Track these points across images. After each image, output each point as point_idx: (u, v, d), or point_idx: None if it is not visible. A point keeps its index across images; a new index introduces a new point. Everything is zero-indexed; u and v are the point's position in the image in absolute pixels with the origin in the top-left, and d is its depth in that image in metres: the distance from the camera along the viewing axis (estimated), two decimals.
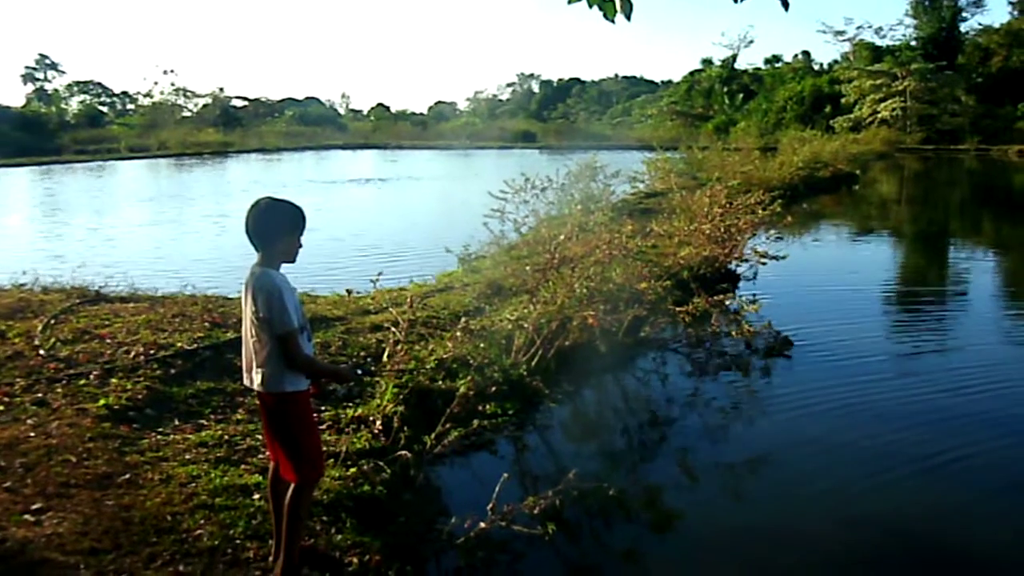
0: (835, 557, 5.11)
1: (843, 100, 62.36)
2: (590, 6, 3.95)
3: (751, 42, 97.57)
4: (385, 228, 20.29)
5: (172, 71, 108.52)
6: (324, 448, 4.58)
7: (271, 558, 4.10)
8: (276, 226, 3.81)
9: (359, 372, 4.89)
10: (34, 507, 4.46)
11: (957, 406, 7.64)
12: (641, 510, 5.76)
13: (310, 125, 79.36)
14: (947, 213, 27.09)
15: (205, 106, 75.97)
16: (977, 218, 26.00)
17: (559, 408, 7.45)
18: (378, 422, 5.99)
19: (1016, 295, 14.15)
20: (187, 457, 5.30)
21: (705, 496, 5.95)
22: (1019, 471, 6.32)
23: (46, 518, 4.35)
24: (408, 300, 7.47)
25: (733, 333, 9.27)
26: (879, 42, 66.99)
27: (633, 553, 5.15)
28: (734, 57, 78.79)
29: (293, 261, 3.88)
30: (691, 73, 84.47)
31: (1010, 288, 14.78)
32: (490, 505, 4.86)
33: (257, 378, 3.81)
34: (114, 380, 6.44)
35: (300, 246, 3.89)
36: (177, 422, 5.96)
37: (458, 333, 7.05)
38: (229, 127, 70.54)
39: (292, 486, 3.93)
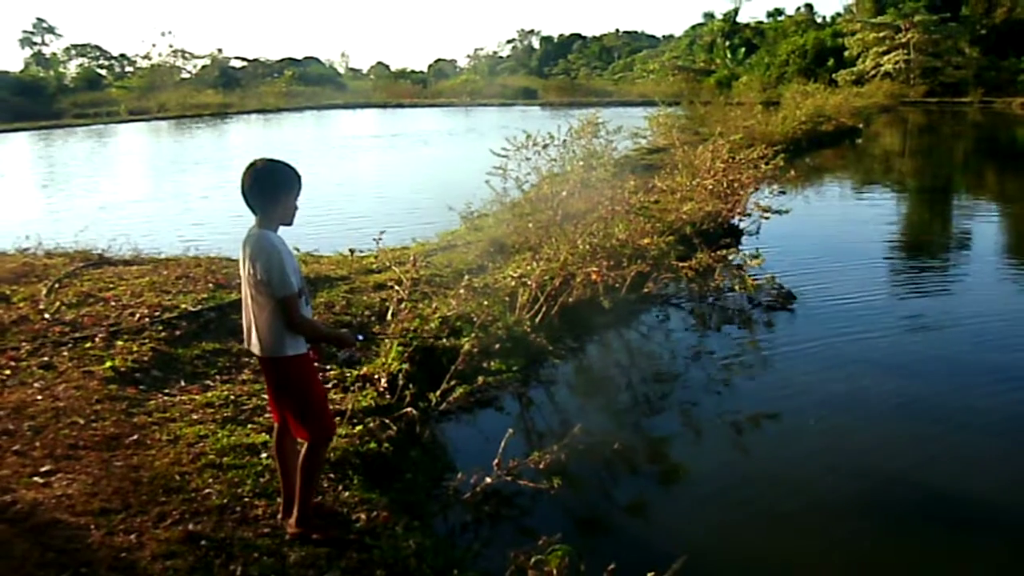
0: (837, 507, 5.16)
1: (846, 53, 61.67)
2: None
3: None
4: (390, 186, 20.23)
5: (170, 32, 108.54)
6: (330, 406, 4.59)
7: (279, 515, 4.14)
8: (273, 188, 3.76)
9: (360, 337, 4.83)
10: (43, 469, 4.50)
11: (959, 358, 7.68)
12: (645, 463, 5.81)
13: (310, 85, 78.30)
14: (951, 166, 26.91)
15: (204, 67, 75.23)
16: (981, 171, 25.84)
17: (563, 364, 7.48)
18: (383, 380, 6.02)
19: (1020, 248, 14.10)
20: (194, 417, 5.34)
21: (709, 449, 6.00)
22: (1021, 422, 6.35)
23: (55, 480, 4.39)
24: (411, 259, 7.47)
25: (736, 287, 9.26)
26: None
27: (638, 505, 5.20)
28: (736, 10, 77.85)
29: (290, 223, 3.83)
30: (693, 27, 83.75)
31: (1014, 241, 14.72)
32: (496, 460, 4.90)
33: (256, 342, 3.81)
34: (120, 342, 6.47)
35: (296, 208, 3.84)
36: (183, 383, 6.00)
37: (461, 291, 7.03)
38: (228, 88, 69.71)
39: (305, 444, 3.97)
